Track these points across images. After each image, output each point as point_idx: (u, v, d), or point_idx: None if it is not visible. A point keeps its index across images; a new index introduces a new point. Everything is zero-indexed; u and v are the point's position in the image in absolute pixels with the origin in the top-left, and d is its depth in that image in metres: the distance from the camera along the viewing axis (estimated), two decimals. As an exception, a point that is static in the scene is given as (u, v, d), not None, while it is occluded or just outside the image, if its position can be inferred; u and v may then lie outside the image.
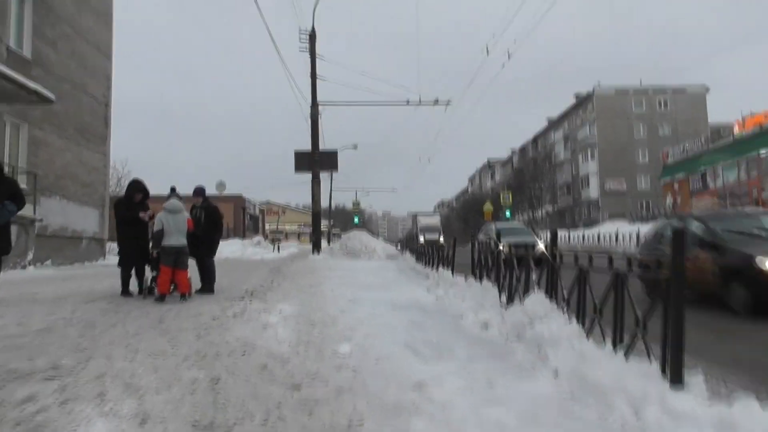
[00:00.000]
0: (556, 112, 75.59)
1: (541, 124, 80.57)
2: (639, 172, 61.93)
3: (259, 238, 47.29)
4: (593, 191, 63.17)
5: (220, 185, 54.89)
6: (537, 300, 5.42)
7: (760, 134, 36.42)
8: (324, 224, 74.62)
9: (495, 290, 7.37)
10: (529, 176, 72.41)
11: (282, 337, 5.30)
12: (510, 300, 6.71)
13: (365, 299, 8.66)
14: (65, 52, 17.41)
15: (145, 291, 8.14)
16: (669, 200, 46.99)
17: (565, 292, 5.02)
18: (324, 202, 67.42)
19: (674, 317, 3.22)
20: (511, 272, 6.73)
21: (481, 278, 8.77)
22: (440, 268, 12.94)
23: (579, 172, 65.99)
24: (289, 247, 49.40)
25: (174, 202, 7.95)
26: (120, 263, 8.45)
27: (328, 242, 51.65)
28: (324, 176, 56.78)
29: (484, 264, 8.56)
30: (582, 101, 66.11)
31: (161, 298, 7.63)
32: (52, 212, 16.79)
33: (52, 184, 16.88)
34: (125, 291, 8.33)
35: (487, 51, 16.67)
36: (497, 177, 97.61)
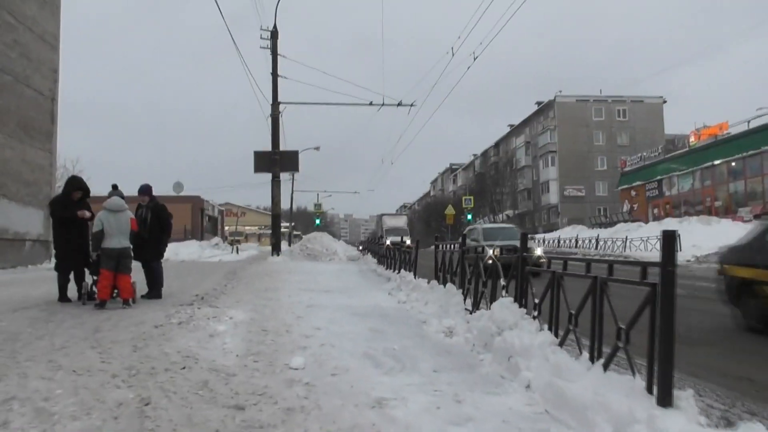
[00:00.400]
0: (517, 119, 76.51)
1: (502, 131, 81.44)
2: (597, 179, 63.04)
3: (217, 239, 46.15)
4: (553, 196, 64.02)
5: (178, 186, 53.40)
6: (505, 306, 5.08)
7: (714, 145, 37.42)
8: (285, 226, 73.74)
9: (459, 295, 7.03)
10: (491, 181, 73.03)
11: (229, 347, 4.82)
12: (475, 305, 6.38)
13: (324, 305, 8.22)
14: (5, 41, 16.38)
15: (84, 297, 7.47)
16: (626, 206, 47.87)
17: (535, 299, 4.70)
18: (285, 204, 66.55)
19: (664, 327, 2.91)
20: (477, 276, 6.39)
21: (444, 282, 8.43)
22: (402, 271, 12.59)
23: (540, 177, 66.80)
24: (249, 249, 48.39)
25: (115, 200, 7.33)
26: (57, 267, 7.78)
27: (289, 244, 50.86)
28: (285, 178, 56.06)
29: (447, 267, 8.20)
30: (543, 108, 67.01)
31: (101, 305, 7.01)
32: (-8, 212, 15.77)
33: (-8, 182, 15.85)
34: (63, 297, 7.67)
35: (453, 53, 16.42)
36: (459, 181, 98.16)
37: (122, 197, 7.50)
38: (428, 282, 9.69)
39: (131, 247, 7.43)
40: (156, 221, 8.28)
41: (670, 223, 27.09)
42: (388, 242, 30.41)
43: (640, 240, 24.16)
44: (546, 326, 4.44)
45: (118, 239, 7.15)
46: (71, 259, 7.62)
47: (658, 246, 24.05)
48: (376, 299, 9.40)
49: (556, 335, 4.23)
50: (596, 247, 26.80)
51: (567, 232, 36.03)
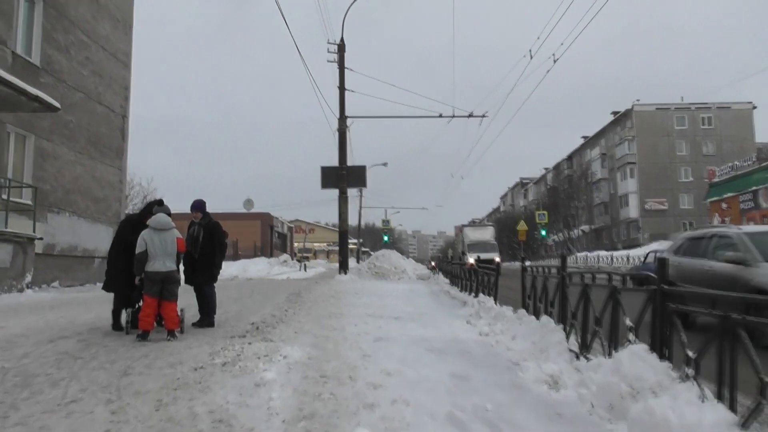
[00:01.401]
0: (590, 131, 73.32)
1: (574, 144, 78.31)
2: (681, 191, 59.16)
3: (285, 256, 46.14)
4: (632, 210, 60.47)
5: (248, 203, 54.15)
6: (638, 356, 3.79)
7: (819, 150, 33.94)
8: (354, 243, 73.45)
9: (560, 331, 5.74)
10: (564, 194, 70.00)
11: (276, 404, 3.78)
12: (585, 347, 5.09)
13: (394, 337, 7.11)
14: (78, 59, 16.41)
15: (127, 326, 6.68)
16: (716, 220, 44.29)
17: (688, 351, 3.40)
18: (353, 220, 66.31)
19: None
20: (586, 307, 5.10)
21: (536, 312, 7.14)
22: (481, 295, 11.32)
23: (617, 190, 63.41)
24: (317, 266, 48.13)
25: (160, 217, 6.53)
26: (109, 287, 6.99)
27: (357, 261, 50.27)
28: (353, 194, 55.76)
29: (540, 294, 6.91)
30: (620, 118, 63.76)
31: (143, 336, 6.18)
32: (61, 230, 15.68)
33: (61, 199, 15.78)
34: (117, 325, 6.89)
35: (531, 55, 15.10)
36: (530, 196, 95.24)
37: (169, 214, 6.70)
38: (514, 311, 8.43)
39: (178, 270, 6.59)
40: (209, 241, 7.45)
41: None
42: (471, 260, 27.00)
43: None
44: (711, 392, 3.15)
45: (163, 261, 6.33)
46: (126, 283, 6.82)
47: None
48: (453, 329, 8.21)
49: (734, 409, 2.93)
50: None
51: (653, 248, 33.30)
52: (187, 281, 7.51)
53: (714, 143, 58.81)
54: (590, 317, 4.98)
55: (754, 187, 39.86)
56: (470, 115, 25.96)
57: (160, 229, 6.42)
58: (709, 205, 47.40)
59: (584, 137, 74.88)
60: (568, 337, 5.63)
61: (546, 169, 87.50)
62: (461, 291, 14.39)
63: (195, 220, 7.60)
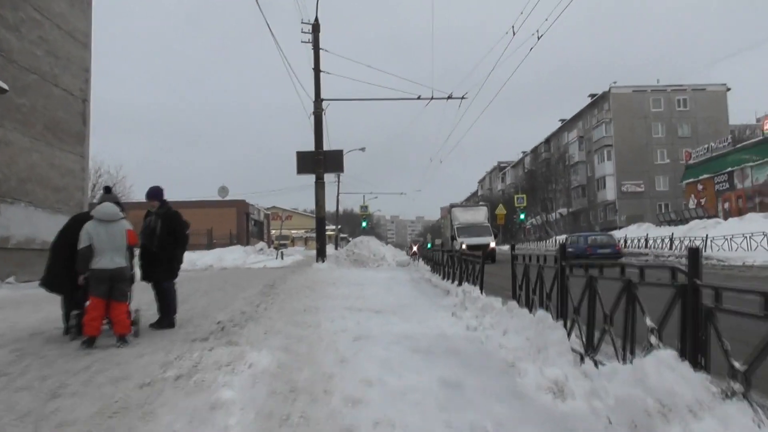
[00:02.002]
0: (568, 114, 73.20)
1: (552, 127, 78.23)
2: (657, 173, 59.40)
3: (262, 244, 45.23)
4: (610, 193, 60.65)
5: (223, 190, 52.95)
6: (667, 365, 3.18)
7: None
8: (332, 229, 72.61)
9: (560, 328, 5.13)
10: (542, 178, 69.98)
11: (234, 434, 3.10)
12: (592, 348, 4.49)
13: (375, 335, 6.46)
14: (30, 38, 15.28)
15: (72, 331, 5.90)
16: (692, 201, 44.52)
17: (733, 360, 2.79)
18: (331, 206, 65.46)
19: None
20: (593, 302, 4.48)
21: (529, 305, 6.54)
22: (465, 284, 10.73)
23: (595, 173, 63.49)
24: (294, 254, 47.33)
25: (106, 206, 5.74)
26: (52, 286, 6.19)
27: (336, 247, 49.50)
28: (331, 180, 54.85)
29: (535, 284, 6.30)
30: (597, 101, 63.67)
31: (89, 343, 5.41)
32: (16, 221, 14.67)
33: (15, 188, 14.74)
34: (70, 328, 6.08)
35: (514, 32, 14.44)
36: (508, 179, 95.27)
37: (118, 203, 5.92)
38: (503, 302, 7.83)
39: (130, 266, 5.83)
40: (167, 232, 6.68)
41: (753, 218, 24.29)
42: (462, 246, 24.73)
43: (723, 239, 21.52)
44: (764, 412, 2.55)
45: (111, 257, 5.55)
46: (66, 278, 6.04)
47: (744, 245, 21.58)
48: (438, 323, 7.59)
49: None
50: (671, 248, 24.21)
51: (633, 231, 33.26)
52: (144, 277, 6.76)
53: (689, 125, 59.07)
54: (598, 314, 4.37)
55: (729, 169, 40.05)
56: (449, 97, 25.28)
57: (106, 220, 5.64)
58: (684, 186, 47.65)
59: (562, 120, 74.83)
60: (569, 335, 5.03)
61: (524, 152, 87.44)
62: (443, 279, 13.81)
63: (152, 210, 6.82)
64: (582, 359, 4.60)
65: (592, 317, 4.48)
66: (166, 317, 6.71)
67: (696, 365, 3.09)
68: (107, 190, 6.20)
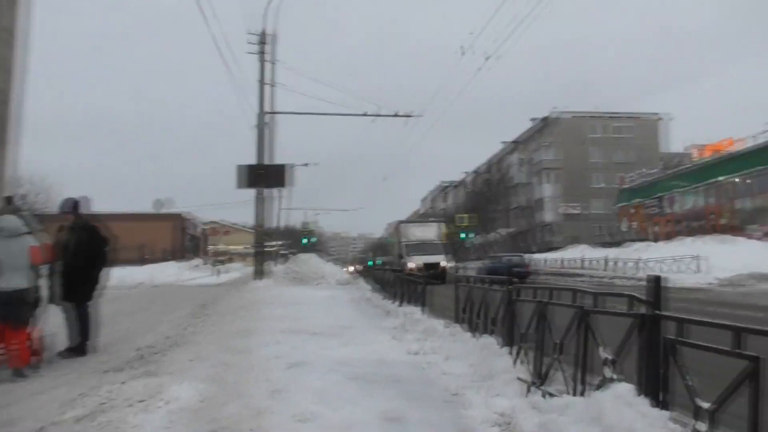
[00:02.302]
0: (509, 136, 74.94)
1: (494, 149, 79.83)
2: (594, 197, 61.32)
3: (198, 261, 43.78)
4: (549, 214, 62.19)
5: (158, 203, 51.21)
6: (625, 400, 2.94)
7: (719, 161, 35.85)
8: (274, 245, 71.11)
9: (506, 356, 4.87)
10: (483, 198, 71.13)
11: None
12: (539, 377, 4.24)
13: (312, 361, 6.05)
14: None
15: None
16: (625, 224, 46.16)
17: (701, 401, 2.56)
18: (274, 222, 64.08)
19: None
20: (542, 329, 4.24)
21: (473, 328, 6.28)
22: (406, 305, 10.44)
23: (534, 195, 65.05)
24: (233, 271, 46.02)
25: (6, 219, 5.13)
26: None
27: (276, 264, 48.43)
28: (275, 194, 53.72)
29: (479, 308, 6.05)
30: (539, 125, 65.49)
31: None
32: None
33: None
34: None
35: (463, 51, 14.47)
36: (450, 199, 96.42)
37: (19, 214, 5.30)
38: (446, 325, 7.57)
39: (31, 288, 5.20)
40: (83, 249, 6.06)
41: (683, 242, 25.23)
42: (411, 265, 23.77)
43: (655, 261, 22.18)
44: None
45: (8, 278, 4.93)
46: None
47: (674, 268, 22.35)
48: (378, 347, 7.23)
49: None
50: (605, 268, 24.81)
51: (570, 252, 34.05)
52: (61, 298, 6.10)
53: (624, 151, 61.31)
54: (548, 342, 4.13)
55: (659, 194, 41.75)
56: (396, 114, 25.24)
57: (5, 234, 5.01)
58: (618, 209, 49.39)
59: (504, 142, 76.47)
60: (515, 362, 4.77)
61: (466, 172, 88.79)
62: (384, 298, 13.48)
63: (67, 224, 6.20)
64: (529, 389, 4.34)
65: (542, 345, 4.23)
66: (78, 345, 6.06)
67: (657, 402, 2.86)
68: (8, 200, 5.57)
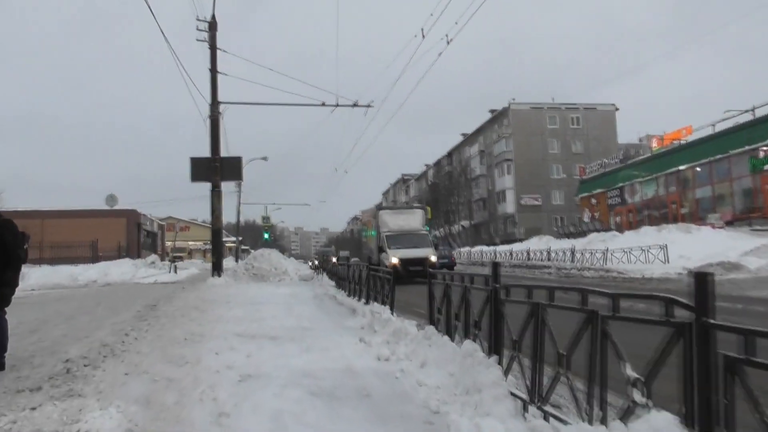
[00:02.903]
0: (469, 129, 74.99)
1: (454, 141, 79.82)
2: (554, 188, 61.89)
3: (153, 257, 42.16)
4: (509, 206, 62.43)
5: (111, 198, 49.16)
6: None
7: (678, 150, 36.25)
8: (233, 241, 69.52)
9: (495, 366, 4.20)
10: (445, 191, 70.99)
11: None
12: (540, 395, 3.58)
13: (268, 372, 5.29)
14: None
15: None
16: (587, 215, 46.47)
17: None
18: (232, 217, 62.46)
19: None
20: (540, 337, 3.58)
21: (449, 331, 5.61)
22: (373, 303, 9.73)
23: (495, 186, 65.20)
24: (191, 267, 44.51)
25: None
26: None
27: (236, 260, 47.07)
28: (231, 189, 52.28)
29: (459, 308, 5.37)
30: (497, 116, 65.63)
31: None
32: None
33: None
34: None
35: (423, 35, 13.78)
36: (412, 192, 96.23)
37: None
38: (419, 326, 6.89)
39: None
40: (-5, 247, 5.14)
41: (647, 232, 25.24)
42: (395, 260, 20.31)
43: (622, 252, 22.04)
44: None
45: None
46: None
47: (642, 258, 22.25)
48: (344, 352, 6.52)
49: None
50: (572, 260, 24.62)
51: (535, 244, 33.91)
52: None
53: (582, 142, 62.08)
54: (549, 352, 3.47)
55: (620, 184, 42.09)
56: (354, 105, 24.42)
57: None
58: (579, 200, 49.75)
59: (464, 134, 76.52)
60: (506, 374, 4.11)
61: (427, 165, 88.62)
62: (349, 296, 12.75)
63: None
64: (525, 407, 3.69)
65: (541, 354, 3.58)
66: (-10, 358, 5.15)
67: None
68: None
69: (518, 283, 4.23)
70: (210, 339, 7.20)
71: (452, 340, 5.45)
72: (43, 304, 12.60)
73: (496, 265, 4.30)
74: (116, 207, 49.16)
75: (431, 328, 6.09)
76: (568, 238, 34.96)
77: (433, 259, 21.01)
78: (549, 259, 26.71)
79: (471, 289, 4.95)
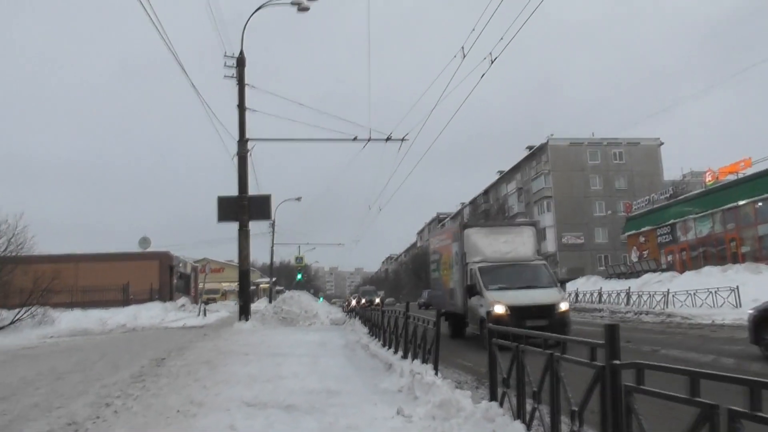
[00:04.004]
0: (505, 166, 73.32)
1: (490, 179, 78.14)
2: (596, 225, 59.31)
3: (184, 300, 41.26)
4: (550, 245, 59.90)
5: (144, 241, 48.70)
6: None
7: (736, 184, 33.82)
8: (266, 282, 68.52)
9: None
10: (483, 229, 68.85)
11: None
12: None
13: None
14: None
15: None
16: (635, 253, 43.90)
17: None
18: (265, 257, 61.38)
19: None
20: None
21: (521, 413, 4.00)
22: (414, 361, 8.11)
23: (534, 225, 62.92)
24: (222, 309, 43.43)
25: None
26: None
27: (270, 301, 45.78)
28: (264, 230, 51.35)
29: (542, 382, 3.77)
30: (536, 152, 63.82)
31: None
32: None
33: None
34: None
35: (464, 53, 12.47)
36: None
37: None
38: (473, 399, 5.29)
39: None
40: None
41: (711, 272, 22.98)
42: (499, 310, 12.66)
43: (685, 294, 19.88)
44: None
45: None
46: None
47: (709, 301, 20.03)
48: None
49: None
50: (627, 303, 22.48)
51: (583, 284, 31.67)
52: None
53: (625, 178, 59.63)
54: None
55: (671, 221, 39.60)
56: (388, 138, 23.17)
57: None
58: (626, 238, 47.19)
59: (500, 172, 74.85)
60: None
61: (462, 203, 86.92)
62: (384, 346, 11.16)
63: None
64: None
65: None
66: None
67: None
68: None
69: (650, 361, 2.64)
70: (209, 412, 5.72)
71: (528, 430, 3.85)
72: (44, 357, 11.40)
73: (613, 331, 2.72)
74: (149, 249, 48.78)
75: (494, 407, 4.49)
76: (618, 278, 32.60)
77: (564, 307, 13.22)
78: (600, 301, 24.55)
79: (562, 360, 3.35)
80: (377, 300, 38.44)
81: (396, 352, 9.72)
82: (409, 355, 8.67)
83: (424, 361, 7.58)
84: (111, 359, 10.45)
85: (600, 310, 23.11)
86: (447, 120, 16.19)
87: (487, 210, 72.62)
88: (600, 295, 24.77)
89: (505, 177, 72.27)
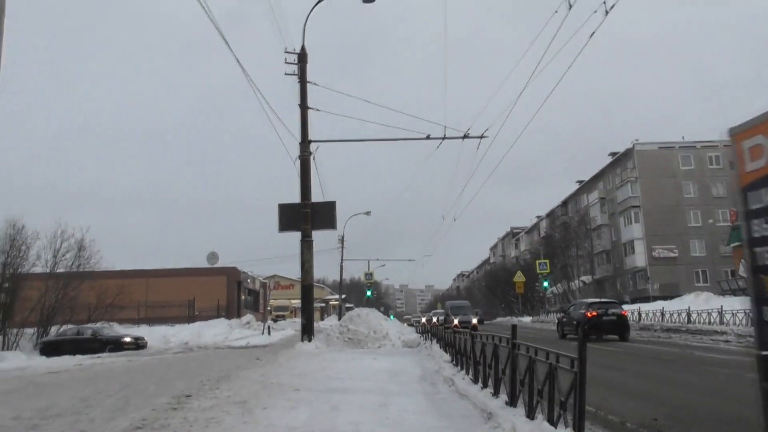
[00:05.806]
0: (584, 175, 68.73)
1: (568, 190, 73.59)
2: (692, 237, 53.79)
3: (249, 317, 39.77)
4: (639, 259, 54.80)
5: (212, 256, 48.09)
6: None
7: None
8: (336, 299, 66.86)
9: None
10: (561, 243, 64.39)
11: None
12: None
13: None
14: None
15: None
16: (743, 267, 38.82)
17: None
18: (334, 273, 59.67)
19: None
20: None
21: None
22: (524, 406, 5.40)
23: (621, 237, 57.99)
24: (288, 327, 41.67)
25: None
26: None
27: (339, 318, 43.74)
28: (332, 246, 49.48)
29: None
30: (620, 159, 58.99)
31: None
32: None
33: None
34: None
35: (566, 10, 9.73)
36: (522, 246, 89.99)
37: None
38: None
39: None
40: None
41: None
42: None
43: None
44: None
45: None
46: None
47: None
48: None
49: None
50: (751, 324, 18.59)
51: (695, 302, 27.46)
52: None
53: (724, 184, 53.83)
54: None
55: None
56: (465, 136, 20.49)
57: None
58: (732, 250, 42.07)
59: (579, 181, 70.27)
60: None
61: (539, 216, 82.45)
62: (475, 381, 8.44)
63: None
64: None
65: None
66: None
67: None
68: None
69: None
70: None
71: None
72: (50, 389, 9.47)
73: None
74: (217, 265, 47.98)
75: None
76: (734, 294, 28.24)
77: None
78: (721, 322, 20.67)
79: None
80: (474, 320, 31.43)
81: (496, 393, 7.00)
82: (519, 402, 5.96)
83: (551, 419, 4.83)
84: (127, 394, 8.27)
85: (724, 333, 19.32)
86: (526, 122, 13.54)
87: (566, 222, 68.09)
88: (721, 314, 20.88)
89: (586, 187, 67.60)
